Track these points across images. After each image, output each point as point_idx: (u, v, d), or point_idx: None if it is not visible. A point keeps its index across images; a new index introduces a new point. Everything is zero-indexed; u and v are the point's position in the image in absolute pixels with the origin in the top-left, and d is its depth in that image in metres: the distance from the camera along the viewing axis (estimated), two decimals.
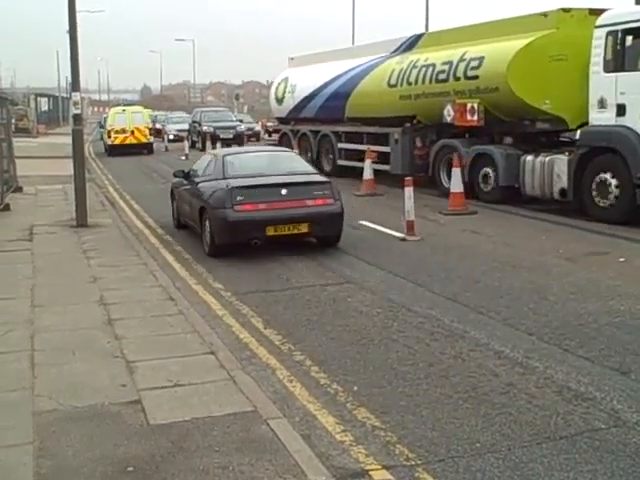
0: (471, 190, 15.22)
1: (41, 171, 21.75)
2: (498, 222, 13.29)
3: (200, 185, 11.33)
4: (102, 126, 38.70)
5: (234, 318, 7.51)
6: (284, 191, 10.52)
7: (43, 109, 59.35)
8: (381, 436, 4.83)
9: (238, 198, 10.33)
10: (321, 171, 20.21)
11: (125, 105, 47.39)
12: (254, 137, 39.85)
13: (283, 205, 10.43)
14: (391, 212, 13.97)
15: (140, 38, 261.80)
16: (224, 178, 10.86)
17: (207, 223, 10.67)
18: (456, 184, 14.16)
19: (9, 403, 5.18)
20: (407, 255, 10.41)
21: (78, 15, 13.32)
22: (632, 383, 5.59)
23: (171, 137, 39.87)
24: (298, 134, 22.89)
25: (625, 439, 4.68)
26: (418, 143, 17.67)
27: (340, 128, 20.72)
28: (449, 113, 15.90)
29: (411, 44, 18.46)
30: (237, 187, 10.42)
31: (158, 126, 46.02)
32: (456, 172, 14.19)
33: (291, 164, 11.73)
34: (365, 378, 5.84)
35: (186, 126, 40.11)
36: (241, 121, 38.56)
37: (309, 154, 21.88)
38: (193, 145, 35.47)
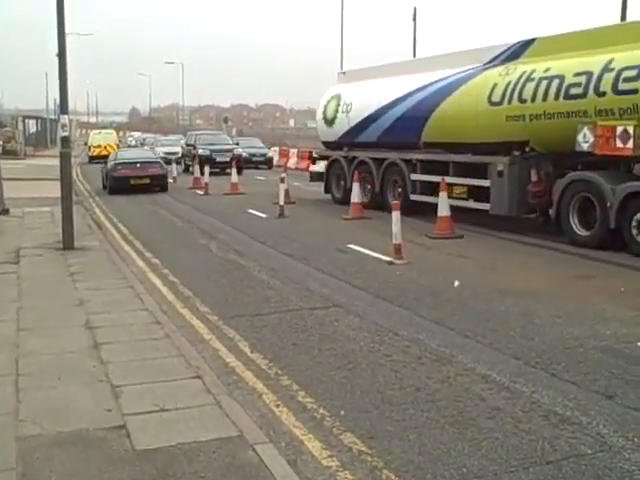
0: (618, 239, 12.14)
1: (28, 193, 21.66)
2: (484, 246, 13.33)
3: (107, 164, 25.47)
4: (86, 143, 53.02)
5: (221, 342, 7.49)
6: (138, 165, 24.89)
7: (31, 131, 59.27)
8: (368, 461, 4.81)
9: (118, 167, 24.57)
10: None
11: (101, 128, 65.04)
12: (266, 164, 38.06)
13: (137, 171, 24.56)
14: (378, 236, 14.02)
15: (129, 61, 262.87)
16: (115, 160, 25.37)
17: (108, 180, 24.84)
18: (443, 208, 14.22)
19: None
20: (394, 279, 10.43)
21: (67, 38, 13.35)
22: (618, 407, 5.60)
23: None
24: (355, 162, 19.27)
25: (611, 464, 4.68)
26: (533, 176, 13.97)
27: (415, 155, 16.99)
28: (586, 138, 12.49)
29: (516, 52, 15.11)
30: (118, 163, 24.89)
31: (146, 148, 46.92)
32: (443, 196, 14.26)
33: (146, 154, 28.45)
34: (352, 403, 5.83)
35: (175, 149, 40.33)
36: (237, 144, 37.15)
37: (368, 186, 18.71)
38: (187, 169, 34.33)
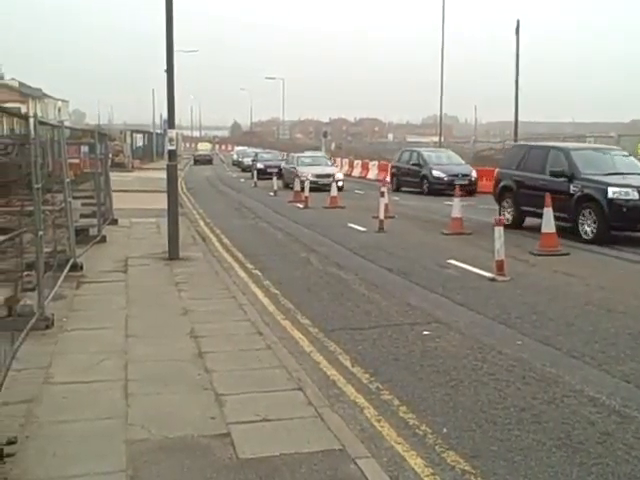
0: None
1: (135, 204, 22.43)
2: (592, 264, 12.92)
3: (194, 155, 77.80)
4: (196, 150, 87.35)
5: (321, 355, 7.51)
6: (204, 155, 75.82)
7: (138, 144, 61.53)
8: None
9: (196, 156, 74.78)
10: None
11: (204, 142, 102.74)
12: (464, 189, 23.31)
13: (203, 157, 73.83)
14: (479, 251, 13.81)
15: (232, 76, 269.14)
16: (194, 154, 77.65)
17: (194, 161, 72.71)
18: (547, 224, 13.88)
19: (104, 431, 5.30)
20: (496, 295, 10.22)
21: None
22: None
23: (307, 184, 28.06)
24: None
25: None
26: None
27: None
28: None
29: None
30: (196, 154, 77.26)
31: (260, 166, 42.67)
32: (547, 212, 13.91)
33: (206, 152, 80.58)
34: (454, 420, 5.74)
35: (324, 169, 32.29)
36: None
37: None
38: (399, 187, 31.56)
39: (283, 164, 39.47)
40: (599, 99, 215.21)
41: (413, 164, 30.97)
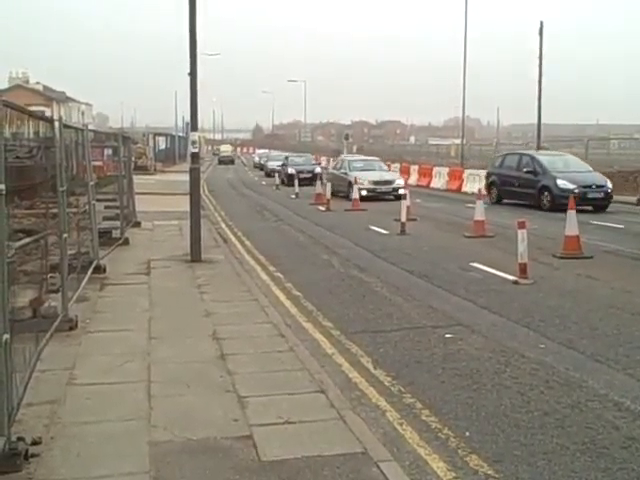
0: None
1: (158, 207, 22.56)
2: (616, 267, 12.80)
3: (218, 156, 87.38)
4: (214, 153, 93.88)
5: (343, 357, 7.51)
6: (226, 156, 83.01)
7: (160, 147, 61.89)
8: None
9: (220, 157, 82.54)
10: None
11: (226, 144, 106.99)
12: (595, 204, 22.40)
13: (226, 159, 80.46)
14: (502, 254, 13.74)
15: (253, 78, 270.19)
16: (219, 155, 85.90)
17: (217, 161, 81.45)
18: (571, 227, 13.77)
19: (127, 432, 5.33)
20: (519, 299, 10.16)
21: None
22: None
23: (364, 193, 25.95)
24: None
25: None
26: None
27: None
28: None
29: None
30: (220, 155, 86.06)
31: (291, 171, 37.97)
32: (571, 214, 13.81)
33: (228, 153, 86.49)
34: (477, 424, 5.71)
35: (381, 175, 28.61)
36: None
37: None
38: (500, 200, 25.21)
39: (318, 169, 38.01)
40: (624, 101, 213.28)
41: (527, 171, 24.07)
